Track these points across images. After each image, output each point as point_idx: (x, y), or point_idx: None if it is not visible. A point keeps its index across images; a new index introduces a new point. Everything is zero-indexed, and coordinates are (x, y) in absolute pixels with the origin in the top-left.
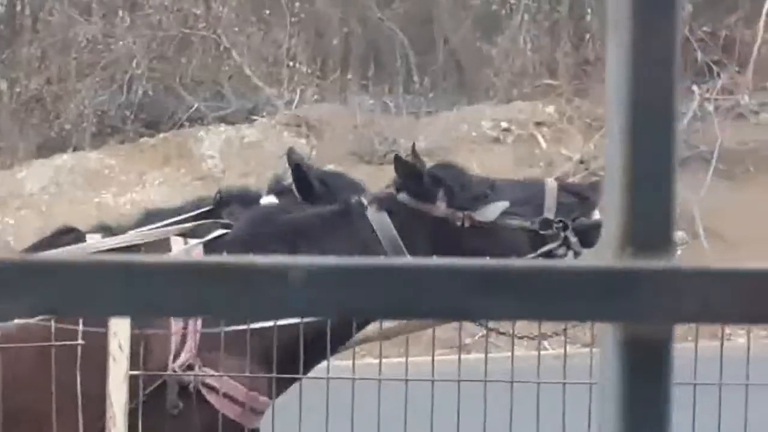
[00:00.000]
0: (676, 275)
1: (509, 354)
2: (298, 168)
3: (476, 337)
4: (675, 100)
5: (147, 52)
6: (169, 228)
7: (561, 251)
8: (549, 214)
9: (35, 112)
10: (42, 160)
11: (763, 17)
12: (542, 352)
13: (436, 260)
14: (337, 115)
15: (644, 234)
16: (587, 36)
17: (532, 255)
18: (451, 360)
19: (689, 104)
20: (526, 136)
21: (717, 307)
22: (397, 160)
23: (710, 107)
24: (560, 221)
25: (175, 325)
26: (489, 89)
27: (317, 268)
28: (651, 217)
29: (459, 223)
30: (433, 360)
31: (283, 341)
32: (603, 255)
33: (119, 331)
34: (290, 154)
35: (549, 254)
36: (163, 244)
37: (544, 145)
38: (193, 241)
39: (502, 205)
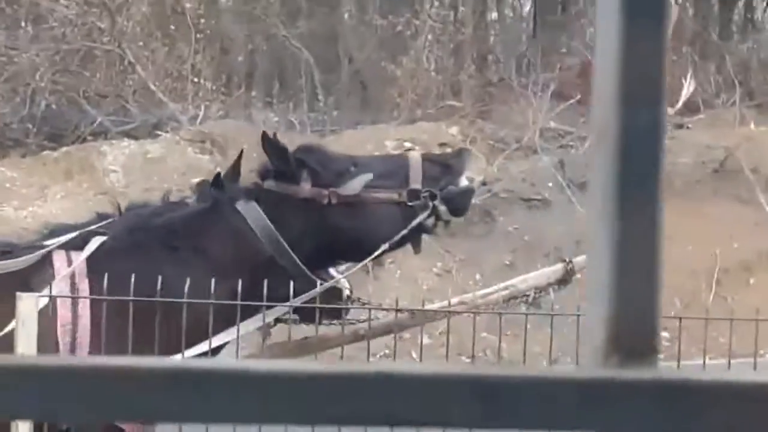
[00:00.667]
0: (661, 385)
1: None
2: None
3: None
4: (661, 239)
5: (50, 64)
6: (52, 243)
7: (430, 221)
8: (415, 184)
9: None
10: None
11: None
12: None
13: (416, 366)
14: (242, 132)
15: (629, 342)
16: (491, 58)
17: (403, 229)
18: None
19: None
20: None
21: (701, 416)
22: (265, 138)
23: None
24: (427, 191)
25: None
26: (393, 109)
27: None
28: (636, 326)
29: (326, 201)
30: None
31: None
32: (589, 363)
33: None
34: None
35: (419, 226)
36: (45, 260)
37: None
38: (75, 255)
39: (366, 177)
